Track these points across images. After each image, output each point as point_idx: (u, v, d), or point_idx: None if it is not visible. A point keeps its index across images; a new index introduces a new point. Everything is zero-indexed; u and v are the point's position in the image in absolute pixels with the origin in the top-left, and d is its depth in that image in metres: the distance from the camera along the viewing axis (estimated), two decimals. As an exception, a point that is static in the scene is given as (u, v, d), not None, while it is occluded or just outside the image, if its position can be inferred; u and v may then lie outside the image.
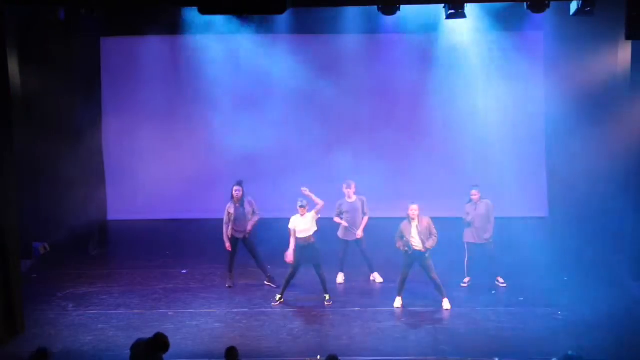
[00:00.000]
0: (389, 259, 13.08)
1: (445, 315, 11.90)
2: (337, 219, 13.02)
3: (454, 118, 16.27)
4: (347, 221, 12.93)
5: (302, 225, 12.16)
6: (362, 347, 10.87)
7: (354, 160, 16.31)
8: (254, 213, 12.98)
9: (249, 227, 12.92)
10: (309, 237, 12.17)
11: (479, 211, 12.76)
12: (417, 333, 11.31)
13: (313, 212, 12.17)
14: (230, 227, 12.87)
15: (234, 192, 12.92)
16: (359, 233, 12.94)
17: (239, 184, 12.97)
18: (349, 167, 16.13)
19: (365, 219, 12.98)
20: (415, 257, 11.97)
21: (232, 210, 12.86)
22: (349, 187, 13.00)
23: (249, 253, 13.11)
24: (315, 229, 12.21)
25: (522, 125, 16.25)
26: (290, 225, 12.24)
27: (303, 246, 12.18)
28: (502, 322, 11.61)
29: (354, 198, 12.98)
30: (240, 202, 12.90)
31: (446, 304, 12.09)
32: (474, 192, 12.83)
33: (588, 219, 14.62)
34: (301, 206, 12.14)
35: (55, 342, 11.13)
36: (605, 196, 14.22)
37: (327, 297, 12.39)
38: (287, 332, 11.43)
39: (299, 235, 12.17)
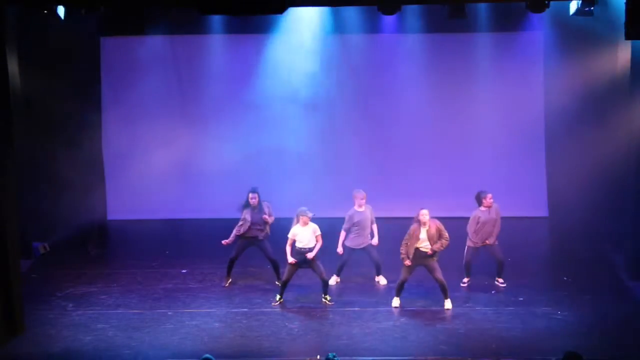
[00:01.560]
0: (390, 259, 13.06)
1: (445, 315, 11.89)
2: (343, 235, 12.81)
3: (454, 118, 16.29)
4: (357, 232, 12.78)
5: (302, 235, 12.04)
6: (362, 347, 10.84)
7: (355, 160, 16.36)
8: (270, 216, 12.78)
9: (267, 229, 12.80)
10: (309, 248, 12.06)
11: (492, 215, 12.70)
12: (417, 333, 11.30)
13: (316, 228, 12.03)
14: (244, 231, 12.76)
15: (250, 200, 12.75)
16: (375, 241, 12.85)
17: (254, 190, 12.80)
18: (349, 167, 16.18)
19: (375, 227, 12.86)
20: (420, 260, 11.94)
21: (248, 217, 12.73)
22: (361, 197, 12.82)
23: (264, 257, 13.00)
24: (314, 244, 12.08)
25: (521, 125, 16.26)
26: (290, 235, 12.11)
27: (301, 251, 12.11)
28: (502, 322, 11.60)
29: (364, 207, 12.90)
30: (258, 207, 12.76)
31: (448, 304, 12.07)
32: (489, 196, 12.70)
33: (588, 219, 14.62)
34: (304, 215, 11.97)
35: (55, 342, 11.13)
36: (605, 196, 14.22)
37: (328, 298, 12.38)
38: (287, 332, 11.41)
39: (298, 245, 12.09)
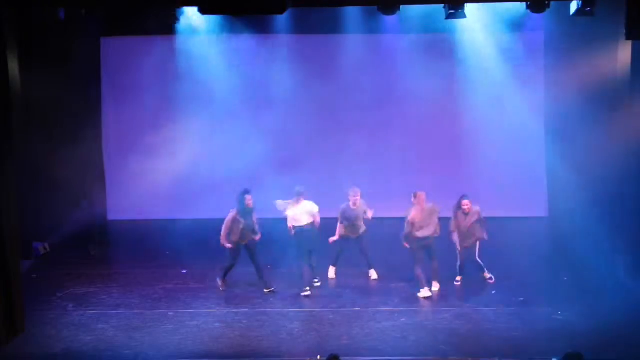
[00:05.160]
0: (386, 258, 13.10)
1: (445, 315, 11.90)
2: (339, 226, 13.04)
3: (454, 118, 16.28)
4: (348, 227, 13.00)
5: (300, 216, 12.41)
6: (362, 347, 10.86)
7: (354, 160, 16.35)
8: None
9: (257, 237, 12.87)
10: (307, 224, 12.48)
11: (471, 219, 12.80)
12: (417, 333, 11.31)
13: (312, 205, 12.45)
14: (237, 235, 12.78)
15: (247, 200, 12.72)
16: (369, 214, 12.97)
17: (248, 192, 12.80)
18: (349, 166, 16.17)
19: (370, 213, 13.00)
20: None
21: (242, 220, 12.73)
22: (355, 194, 12.93)
23: (249, 258, 12.99)
24: (310, 220, 12.50)
25: (522, 125, 16.25)
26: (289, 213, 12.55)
27: (301, 230, 12.47)
28: (502, 322, 11.62)
29: (358, 204, 12.95)
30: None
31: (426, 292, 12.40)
32: (465, 202, 12.85)
33: (588, 219, 14.60)
34: (299, 194, 12.37)
35: (55, 342, 11.14)
36: (605, 196, 14.20)
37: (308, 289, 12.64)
38: (287, 332, 11.42)
39: (296, 224, 12.46)
